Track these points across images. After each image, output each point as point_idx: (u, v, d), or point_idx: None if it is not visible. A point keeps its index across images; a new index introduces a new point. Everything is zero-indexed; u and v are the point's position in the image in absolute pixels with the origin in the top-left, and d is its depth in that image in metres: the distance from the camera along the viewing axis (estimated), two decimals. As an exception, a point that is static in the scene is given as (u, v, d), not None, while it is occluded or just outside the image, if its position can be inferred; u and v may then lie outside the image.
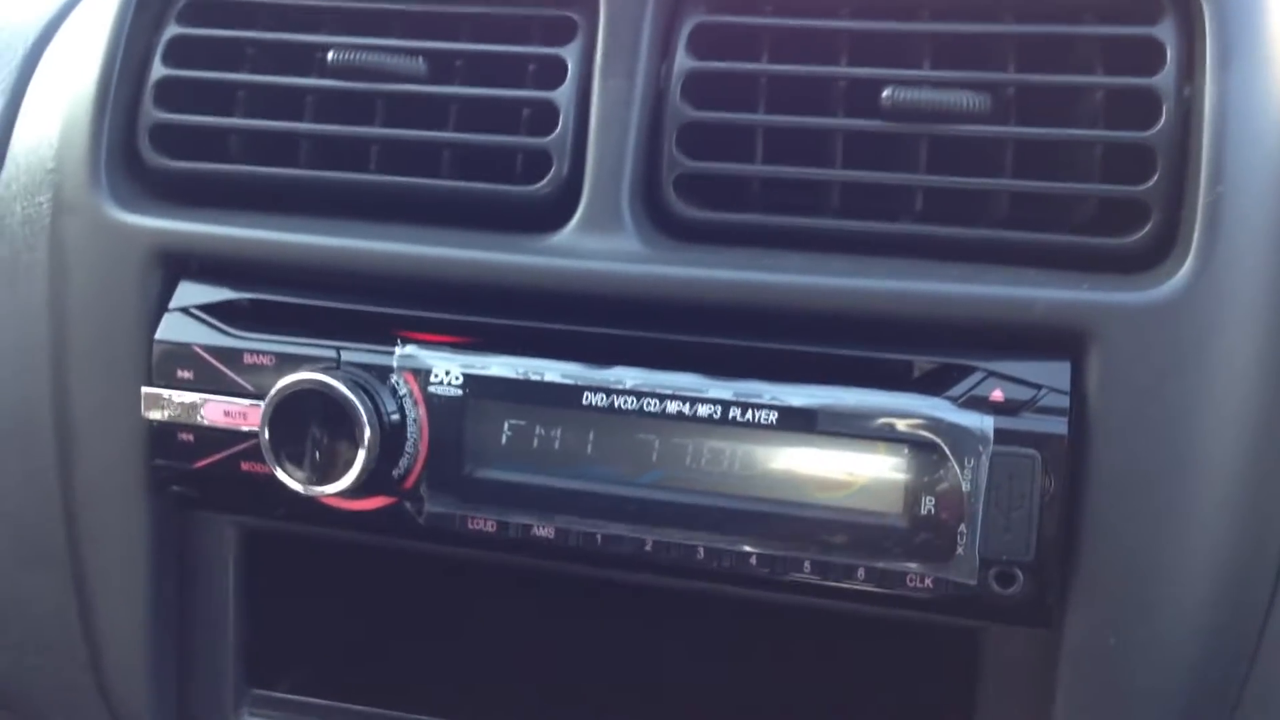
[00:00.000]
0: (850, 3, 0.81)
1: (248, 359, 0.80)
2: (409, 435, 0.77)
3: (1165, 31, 0.75)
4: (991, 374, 0.72)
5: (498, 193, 0.82)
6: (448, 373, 0.77)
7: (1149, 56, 0.74)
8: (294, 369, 0.78)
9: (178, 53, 0.88)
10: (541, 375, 0.76)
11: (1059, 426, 0.70)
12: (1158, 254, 0.73)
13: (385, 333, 0.79)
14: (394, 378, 0.77)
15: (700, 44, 0.80)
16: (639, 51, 0.81)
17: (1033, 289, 0.72)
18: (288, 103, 0.86)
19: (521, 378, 0.76)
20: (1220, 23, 0.73)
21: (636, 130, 0.80)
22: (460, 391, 0.77)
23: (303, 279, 0.82)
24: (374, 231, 0.82)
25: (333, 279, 0.82)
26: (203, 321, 0.82)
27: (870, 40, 0.79)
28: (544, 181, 0.81)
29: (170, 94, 0.87)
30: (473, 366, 0.77)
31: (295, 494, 0.77)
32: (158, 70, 0.87)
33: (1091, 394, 0.71)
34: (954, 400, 0.71)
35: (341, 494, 0.76)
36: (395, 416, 0.77)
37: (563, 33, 0.83)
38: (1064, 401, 0.71)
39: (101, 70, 0.87)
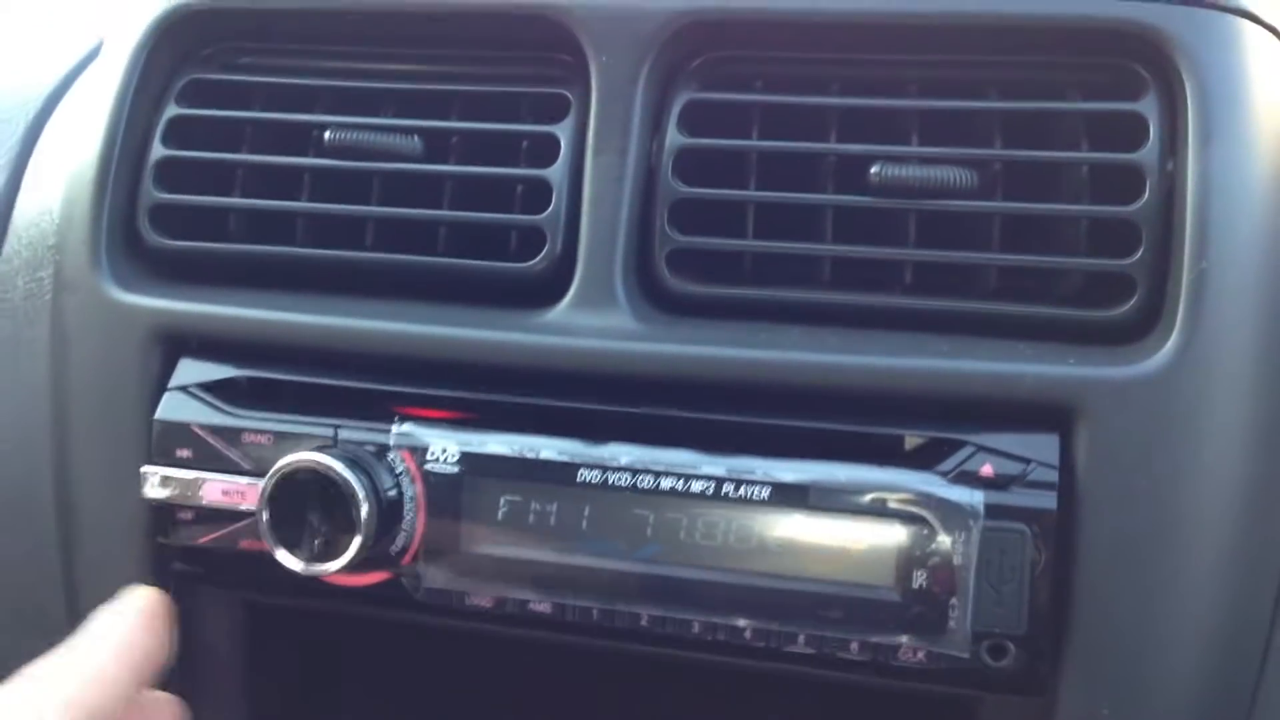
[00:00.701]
0: (839, 79, 0.82)
1: (246, 438, 0.80)
2: (406, 512, 0.77)
3: (1148, 107, 0.76)
4: (981, 448, 0.72)
5: (493, 270, 0.82)
6: (444, 450, 0.78)
7: (1132, 132, 0.75)
8: (292, 448, 0.78)
9: (177, 133, 0.88)
10: (537, 453, 0.76)
11: (1048, 501, 0.71)
12: (1144, 326, 0.74)
13: (383, 409, 0.80)
14: (391, 455, 0.78)
15: (691, 120, 0.81)
16: (630, 128, 0.81)
17: (1021, 364, 0.73)
18: (285, 181, 0.87)
19: (517, 455, 0.77)
20: (1201, 98, 0.74)
21: (629, 206, 0.80)
22: (457, 469, 0.77)
23: (301, 357, 0.83)
24: (370, 310, 0.82)
25: (330, 357, 0.82)
26: (202, 400, 0.82)
27: (859, 116, 0.80)
28: (538, 258, 0.81)
29: (169, 174, 0.88)
30: (469, 444, 0.77)
31: (295, 571, 0.78)
32: (157, 151, 0.88)
33: (1080, 467, 0.72)
34: (944, 475, 0.72)
35: (340, 571, 0.76)
36: (393, 493, 0.77)
37: (555, 110, 0.84)
38: (1053, 475, 0.72)
39: (102, 150, 0.88)
